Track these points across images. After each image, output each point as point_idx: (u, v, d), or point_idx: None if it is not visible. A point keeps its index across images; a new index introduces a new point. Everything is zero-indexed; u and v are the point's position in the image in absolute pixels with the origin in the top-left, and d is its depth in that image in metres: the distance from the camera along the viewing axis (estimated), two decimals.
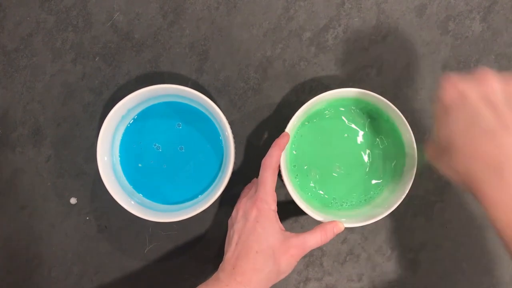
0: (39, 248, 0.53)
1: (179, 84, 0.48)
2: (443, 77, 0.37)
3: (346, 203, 0.50)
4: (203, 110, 0.50)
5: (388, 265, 0.53)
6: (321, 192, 0.50)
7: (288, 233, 0.44)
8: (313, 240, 0.43)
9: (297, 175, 0.50)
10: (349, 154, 0.50)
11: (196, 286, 0.43)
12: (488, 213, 0.35)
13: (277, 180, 0.47)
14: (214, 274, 0.43)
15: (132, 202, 0.48)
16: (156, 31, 0.53)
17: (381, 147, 0.50)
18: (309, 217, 0.47)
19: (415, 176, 0.46)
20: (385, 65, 0.53)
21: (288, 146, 0.48)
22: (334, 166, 0.50)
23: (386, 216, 0.46)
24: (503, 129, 0.34)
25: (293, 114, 0.47)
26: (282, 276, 0.44)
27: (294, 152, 0.50)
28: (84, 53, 0.53)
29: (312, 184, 0.50)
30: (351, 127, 0.50)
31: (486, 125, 0.34)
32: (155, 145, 0.50)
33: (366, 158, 0.50)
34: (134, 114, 0.50)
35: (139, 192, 0.50)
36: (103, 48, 0.53)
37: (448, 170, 0.37)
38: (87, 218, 0.53)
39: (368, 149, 0.50)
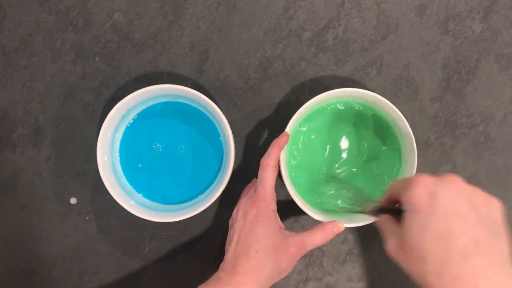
0: (39, 248, 0.53)
1: (179, 84, 0.48)
2: (415, 176, 0.36)
3: (346, 203, 0.50)
4: (203, 110, 0.50)
5: (388, 265, 0.53)
6: (321, 192, 0.50)
7: (288, 232, 0.44)
8: (313, 239, 0.44)
9: (297, 175, 0.50)
10: (349, 154, 0.50)
11: (196, 286, 0.43)
12: None
13: (277, 180, 0.47)
14: (215, 274, 0.43)
15: (132, 202, 0.48)
16: (156, 31, 0.53)
17: (380, 147, 0.50)
18: (309, 217, 0.47)
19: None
20: (385, 65, 0.53)
21: (288, 145, 0.48)
22: (334, 166, 0.50)
23: None
24: (476, 251, 0.33)
25: (293, 114, 0.47)
26: (282, 275, 0.44)
27: (294, 152, 0.50)
28: (84, 53, 0.53)
29: (312, 184, 0.50)
30: (351, 127, 0.50)
31: (460, 245, 0.33)
32: (155, 145, 0.50)
33: (366, 158, 0.50)
34: (134, 114, 0.50)
35: (139, 192, 0.50)
36: (103, 48, 0.53)
37: (417, 278, 0.35)
38: (87, 218, 0.53)
39: (368, 149, 0.50)
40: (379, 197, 0.49)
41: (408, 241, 0.35)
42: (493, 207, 0.35)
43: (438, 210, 0.34)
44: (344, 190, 0.50)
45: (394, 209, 0.41)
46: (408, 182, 0.36)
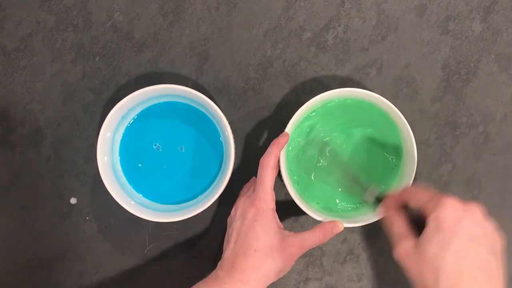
0: (39, 248, 0.53)
1: (179, 84, 0.48)
2: (446, 197, 0.39)
3: (346, 203, 0.50)
4: (203, 110, 0.50)
5: (388, 265, 0.53)
6: (320, 191, 0.50)
7: (286, 232, 0.44)
8: (312, 239, 0.44)
9: (296, 175, 0.50)
10: (348, 154, 0.50)
11: None
12: None
13: (277, 180, 0.47)
14: (213, 272, 0.43)
15: (132, 202, 0.48)
16: (156, 31, 0.53)
17: (380, 147, 0.50)
18: (309, 217, 0.47)
19: (414, 176, 0.46)
20: (385, 65, 0.53)
21: (287, 145, 0.48)
22: (333, 166, 0.50)
23: None
24: (484, 272, 0.37)
25: (293, 114, 0.47)
26: (281, 275, 0.44)
27: (294, 152, 0.50)
28: (84, 53, 0.53)
29: (312, 184, 0.50)
30: (351, 127, 0.50)
31: (474, 267, 0.37)
32: (155, 145, 0.50)
33: (365, 158, 0.50)
34: (134, 114, 0.50)
35: (139, 192, 0.50)
36: (103, 48, 0.53)
37: (420, 283, 0.38)
38: (87, 218, 0.53)
39: (368, 149, 0.50)
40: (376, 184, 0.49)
41: (426, 253, 0.38)
42: (498, 239, 0.39)
43: (461, 234, 0.37)
44: (344, 190, 0.50)
45: (414, 215, 0.42)
46: (437, 200, 0.39)
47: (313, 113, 0.49)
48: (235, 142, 0.49)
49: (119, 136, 0.50)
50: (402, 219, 0.42)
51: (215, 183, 0.50)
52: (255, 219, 0.43)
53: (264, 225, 0.43)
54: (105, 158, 0.48)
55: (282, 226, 0.45)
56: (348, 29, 0.53)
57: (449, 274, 0.37)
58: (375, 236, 0.53)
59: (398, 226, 0.41)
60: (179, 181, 0.50)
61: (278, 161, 0.46)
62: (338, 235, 0.46)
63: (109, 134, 0.48)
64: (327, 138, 0.50)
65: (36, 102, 0.53)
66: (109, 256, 0.53)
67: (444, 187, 0.53)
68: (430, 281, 0.37)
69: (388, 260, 0.53)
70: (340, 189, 0.50)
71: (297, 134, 0.49)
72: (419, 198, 0.41)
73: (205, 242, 0.53)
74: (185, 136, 0.50)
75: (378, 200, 0.46)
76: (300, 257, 0.45)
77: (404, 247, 0.40)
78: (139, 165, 0.50)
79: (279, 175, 0.48)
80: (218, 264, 0.44)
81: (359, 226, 0.50)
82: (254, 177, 0.51)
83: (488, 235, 0.38)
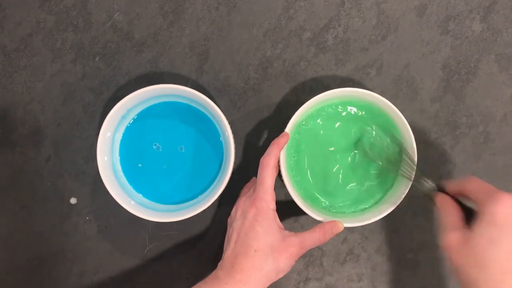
0: (39, 248, 0.53)
1: (179, 84, 0.48)
2: (502, 192, 0.38)
3: (346, 202, 0.50)
4: (203, 110, 0.50)
5: (388, 265, 0.53)
6: (320, 192, 0.50)
7: (287, 232, 0.44)
8: (312, 239, 0.44)
9: (297, 175, 0.50)
10: (348, 154, 0.50)
11: None
12: None
13: (277, 180, 0.47)
14: (213, 272, 0.43)
15: (132, 202, 0.48)
16: (156, 31, 0.53)
17: (380, 147, 0.50)
18: (309, 217, 0.47)
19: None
20: (385, 65, 0.53)
21: (287, 145, 0.48)
22: (333, 166, 0.50)
23: (386, 216, 0.46)
24: None
25: (293, 114, 0.47)
26: (281, 275, 0.44)
27: (294, 152, 0.50)
28: (84, 53, 0.53)
29: (311, 184, 0.50)
30: (351, 127, 0.50)
31: None
32: (155, 145, 0.50)
33: (365, 157, 0.50)
34: (134, 114, 0.50)
35: (139, 192, 0.50)
36: (103, 48, 0.53)
37: (466, 276, 0.38)
38: (87, 218, 0.53)
39: (368, 149, 0.50)
40: (377, 197, 0.49)
41: (475, 246, 0.37)
42: None
43: None
44: (344, 190, 0.50)
45: (465, 206, 0.42)
46: (493, 194, 0.38)
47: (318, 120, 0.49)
48: (235, 142, 0.49)
49: (119, 136, 0.50)
50: (457, 209, 0.41)
51: (215, 183, 0.50)
52: (255, 219, 0.43)
53: (265, 225, 0.43)
54: (105, 158, 0.48)
55: (282, 226, 0.45)
56: (348, 29, 0.53)
57: (496, 269, 0.36)
58: (375, 236, 0.53)
59: (453, 215, 0.41)
60: (179, 181, 0.50)
61: (278, 161, 0.46)
62: (338, 235, 0.46)
63: (109, 134, 0.48)
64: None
65: (36, 102, 0.53)
66: (109, 256, 0.53)
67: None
68: (475, 274, 0.37)
69: (388, 260, 0.53)
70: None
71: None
72: (477, 190, 0.40)
73: (205, 242, 0.53)
74: (185, 136, 0.50)
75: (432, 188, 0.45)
76: (300, 257, 0.45)
77: (453, 237, 0.39)
78: (139, 165, 0.50)
79: (279, 175, 0.48)
80: (219, 264, 0.44)
81: (359, 226, 0.50)
82: (254, 177, 0.51)
83: None
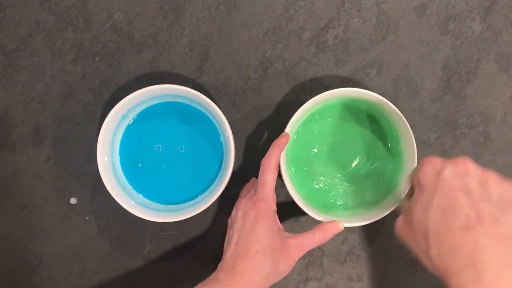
0: (39, 248, 0.53)
1: (179, 84, 0.48)
2: (424, 158, 0.38)
3: (346, 202, 0.50)
4: (203, 110, 0.50)
5: (388, 265, 0.53)
6: (320, 192, 0.50)
7: (287, 233, 0.44)
8: (312, 240, 0.44)
9: (297, 175, 0.50)
10: (348, 154, 0.50)
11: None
12: None
13: (277, 180, 0.47)
14: (213, 274, 0.43)
15: (132, 202, 0.48)
16: (156, 31, 0.53)
17: (380, 147, 0.50)
18: (309, 217, 0.47)
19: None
20: (385, 65, 0.53)
21: (288, 146, 0.48)
22: (334, 166, 0.50)
23: (386, 216, 0.46)
24: (477, 223, 0.34)
25: (293, 114, 0.47)
26: (281, 277, 0.44)
27: (294, 152, 0.50)
28: (84, 53, 0.53)
29: (311, 184, 0.50)
30: (351, 127, 0.50)
31: (462, 217, 0.34)
32: (155, 145, 0.50)
33: (365, 157, 0.50)
34: (134, 114, 0.50)
35: (139, 192, 0.50)
36: (103, 48, 0.53)
37: (421, 255, 0.37)
38: (87, 218, 0.53)
39: (368, 149, 0.50)
40: (377, 197, 0.49)
41: (414, 218, 0.36)
42: (507, 189, 0.36)
43: (443, 187, 0.35)
44: (344, 190, 0.50)
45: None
46: (419, 164, 0.38)
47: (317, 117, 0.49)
48: (235, 142, 0.49)
49: (119, 136, 0.50)
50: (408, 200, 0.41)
51: (215, 183, 0.50)
52: (256, 220, 0.43)
53: (265, 227, 0.43)
54: (105, 158, 0.48)
55: (282, 227, 0.45)
56: (348, 29, 0.53)
57: (435, 231, 0.35)
58: (375, 236, 0.53)
59: (407, 203, 0.41)
60: (179, 181, 0.50)
61: (278, 162, 0.46)
62: (338, 235, 0.46)
63: (109, 134, 0.48)
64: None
65: (36, 102, 0.53)
66: (109, 256, 0.53)
67: None
68: (422, 245, 0.35)
69: (388, 260, 0.53)
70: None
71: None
72: (410, 176, 0.40)
73: (205, 242, 0.53)
74: (185, 136, 0.50)
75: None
76: (300, 257, 0.45)
77: (398, 222, 0.39)
78: (139, 165, 0.50)
79: (279, 175, 0.48)
80: (219, 265, 0.44)
81: (359, 226, 0.50)
82: (254, 178, 0.51)
83: (488, 185, 0.36)
